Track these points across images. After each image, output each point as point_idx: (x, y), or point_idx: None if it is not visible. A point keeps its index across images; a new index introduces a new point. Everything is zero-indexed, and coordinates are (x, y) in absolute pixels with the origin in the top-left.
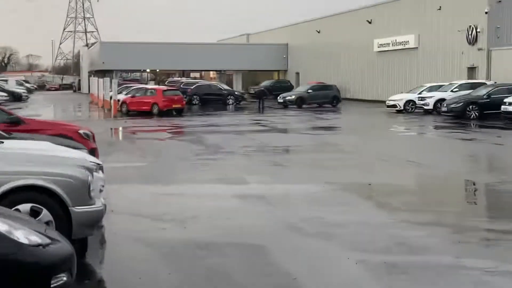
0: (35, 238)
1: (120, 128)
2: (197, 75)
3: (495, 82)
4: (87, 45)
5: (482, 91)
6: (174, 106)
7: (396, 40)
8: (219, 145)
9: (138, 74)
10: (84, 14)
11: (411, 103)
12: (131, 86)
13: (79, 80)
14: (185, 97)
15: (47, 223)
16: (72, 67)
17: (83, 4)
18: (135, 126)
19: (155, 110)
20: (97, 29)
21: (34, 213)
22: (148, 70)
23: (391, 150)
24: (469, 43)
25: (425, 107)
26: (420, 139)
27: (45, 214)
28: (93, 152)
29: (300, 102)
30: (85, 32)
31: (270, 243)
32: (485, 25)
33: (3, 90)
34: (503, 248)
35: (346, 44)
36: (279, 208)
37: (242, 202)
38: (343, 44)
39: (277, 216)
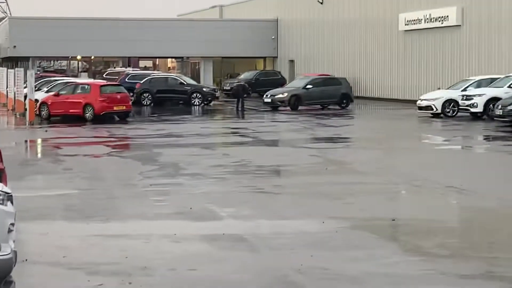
0: None
1: (39, 141)
2: (149, 64)
3: None
4: None
5: None
6: (116, 108)
7: (430, 14)
8: (179, 164)
9: (64, 63)
10: None
11: (452, 104)
12: (54, 80)
13: None
14: (132, 96)
15: None
16: None
17: None
18: (60, 137)
19: (88, 114)
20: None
21: None
22: (79, 57)
23: (424, 170)
24: None
25: (472, 110)
26: (465, 155)
27: None
28: None
29: (295, 103)
30: None
31: None
32: None
33: None
34: None
35: (360, 20)
36: (266, 254)
37: (214, 247)
38: (355, 20)
39: (263, 265)
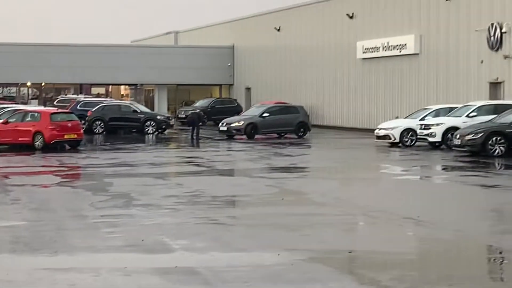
0: None
1: None
2: (102, 91)
3: None
4: None
5: (510, 117)
6: (67, 136)
7: (388, 43)
8: (131, 194)
9: (14, 89)
10: None
11: (410, 133)
12: (2, 108)
13: None
14: (83, 123)
15: None
16: None
17: None
18: (7, 166)
19: (38, 142)
20: None
21: None
22: (28, 84)
23: (382, 201)
24: (491, 48)
25: (430, 139)
26: (423, 185)
27: None
28: None
29: (251, 131)
30: None
31: None
32: None
33: None
34: None
35: (318, 47)
36: None
37: (166, 280)
38: (313, 47)
39: None
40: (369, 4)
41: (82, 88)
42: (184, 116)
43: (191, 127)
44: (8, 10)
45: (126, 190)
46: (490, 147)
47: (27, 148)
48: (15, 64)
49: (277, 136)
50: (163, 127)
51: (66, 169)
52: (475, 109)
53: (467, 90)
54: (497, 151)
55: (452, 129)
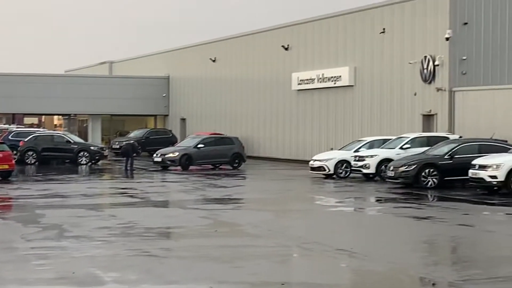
0: None
1: None
2: (35, 121)
3: (460, 137)
4: None
5: (442, 149)
6: None
7: (323, 74)
8: (63, 226)
9: None
10: None
11: (344, 165)
12: None
13: None
14: (15, 154)
15: None
16: None
17: None
18: None
19: None
20: None
21: None
22: None
23: (316, 233)
24: (424, 80)
25: (364, 171)
26: (357, 217)
27: None
28: None
29: (186, 162)
30: None
31: None
32: (446, 55)
33: None
34: None
35: (254, 78)
36: None
37: None
38: (249, 78)
39: None
40: (304, 36)
41: (14, 118)
42: (118, 146)
43: (125, 158)
44: None
45: (58, 221)
46: (423, 179)
47: None
48: None
49: (212, 167)
50: (97, 157)
51: None
52: (408, 141)
53: (400, 122)
54: (430, 183)
55: (386, 161)
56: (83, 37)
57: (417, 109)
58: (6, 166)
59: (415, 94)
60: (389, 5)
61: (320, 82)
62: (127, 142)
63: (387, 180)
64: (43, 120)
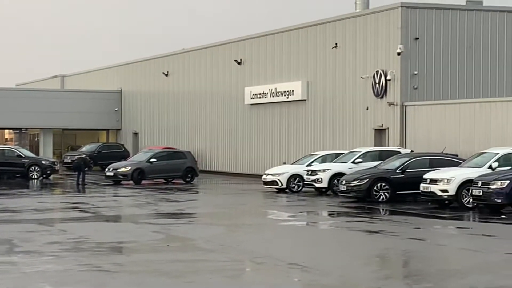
0: None
1: None
2: None
3: (412, 151)
4: None
5: (394, 163)
6: None
7: (276, 89)
8: (13, 241)
9: None
10: None
11: (297, 179)
12: None
13: None
14: None
15: None
16: None
17: None
18: None
19: None
20: None
21: None
22: None
23: (268, 247)
24: (376, 95)
25: (317, 185)
26: (309, 231)
27: None
28: None
29: (138, 176)
30: None
31: None
32: (397, 70)
33: None
34: None
35: (206, 93)
36: None
37: None
38: (201, 93)
39: None
40: (257, 50)
41: None
42: (70, 161)
43: (77, 172)
44: None
45: (8, 236)
46: (375, 193)
47: None
48: None
49: (165, 181)
50: (48, 172)
51: None
52: (360, 155)
53: (353, 136)
54: (381, 197)
55: (338, 175)
56: (35, 50)
57: (369, 123)
58: None
59: (367, 109)
60: (342, 20)
61: (273, 96)
62: (79, 156)
63: (339, 194)
64: None
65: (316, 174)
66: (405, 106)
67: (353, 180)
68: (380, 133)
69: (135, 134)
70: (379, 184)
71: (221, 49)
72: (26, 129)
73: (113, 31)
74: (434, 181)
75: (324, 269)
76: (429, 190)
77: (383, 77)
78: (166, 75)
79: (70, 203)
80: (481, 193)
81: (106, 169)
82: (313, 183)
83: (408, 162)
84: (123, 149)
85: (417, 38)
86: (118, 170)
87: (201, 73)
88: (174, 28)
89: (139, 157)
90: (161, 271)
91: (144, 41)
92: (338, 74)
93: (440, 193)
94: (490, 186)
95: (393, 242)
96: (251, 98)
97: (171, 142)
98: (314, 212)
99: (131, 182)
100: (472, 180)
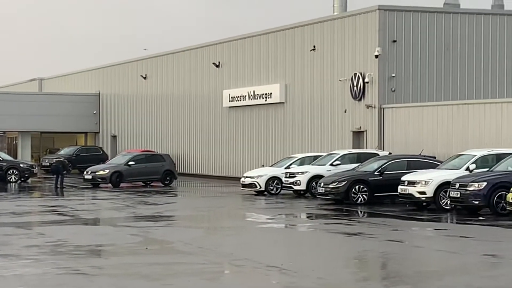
0: None
1: None
2: None
3: (390, 153)
4: None
5: (372, 166)
6: None
7: (254, 91)
8: None
9: None
10: None
11: (275, 182)
12: None
13: None
14: None
15: None
16: None
17: None
18: None
19: None
20: None
21: None
22: None
23: (247, 250)
24: (354, 97)
25: (295, 187)
26: (288, 233)
27: None
28: None
29: (116, 179)
30: None
31: None
32: (375, 73)
33: None
34: None
35: (185, 96)
36: None
37: None
38: (180, 96)
39: None
40: (235, 53)
41: None
42: (48, 164)
43: (55, 176)
44: None
45: None
46: (353, 195)
47: None
48: None
49: (143, 184)
50: (26, 175)
51: None
52: (338, 157)
53: (331, 139)
54: (360, 199)
55: (317, 177)
56: (12, 54)
57: (347, 126)
58: None
59: (345, 111)
60: (320, 23)
61: (251, 99)
62: (57, 159)
63: (317, 196)
64: None
65: (295, 176)
66: (383, 108)
67: (332, 183)
68: (358, 136)
69: (114, 137)
70: (357, 186)
71: (199, 52)
72: (4, 132)
73: (91, 34)
74: (412, 183)
75: (302, 271)
76: (407, 192)
77: (361, 80)
78: (145, 78)
79: (49, 206)
80: (458, 195)
81: (85, 172)
82: (292, 185)
83: (386, 164)
84: (101, 152)
85: (394, 41)
86: (97, 173)
87: (179, 76)
88: (152, 32)
89: (118, 160)
90: (140, 274)
91: (122, 44)
92: (316, 77)
93: (418, 195)
94: (467, 188)
95: (371, 244)
96: (230, 101)
97: (149, 145)
98: (292, 215)
99: (109, 185)
100: (450, 182)
